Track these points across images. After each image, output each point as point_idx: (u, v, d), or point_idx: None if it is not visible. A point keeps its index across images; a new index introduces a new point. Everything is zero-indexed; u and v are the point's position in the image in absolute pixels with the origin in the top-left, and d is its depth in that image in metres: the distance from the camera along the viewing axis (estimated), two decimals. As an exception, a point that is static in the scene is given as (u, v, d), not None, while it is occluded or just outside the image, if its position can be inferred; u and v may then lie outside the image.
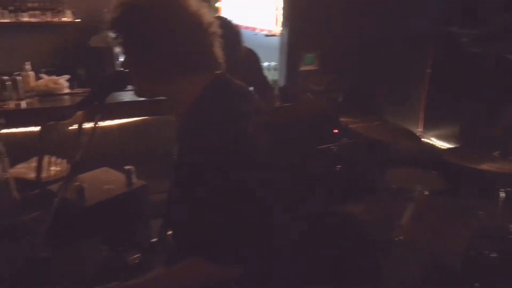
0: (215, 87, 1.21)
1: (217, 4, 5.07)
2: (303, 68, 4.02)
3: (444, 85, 4.23)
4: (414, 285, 2.18)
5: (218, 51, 1.22)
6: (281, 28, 4.15)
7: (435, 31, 4.19)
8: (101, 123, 3.69)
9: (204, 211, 1.12)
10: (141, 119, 3.94)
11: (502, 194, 2.15)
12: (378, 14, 4.05)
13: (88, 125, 3.52)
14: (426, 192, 2.34)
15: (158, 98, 1.26)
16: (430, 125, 4.52)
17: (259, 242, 1.15)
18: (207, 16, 1.19)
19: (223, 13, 4.88)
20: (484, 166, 2.10)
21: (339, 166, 3.03)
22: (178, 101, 1.23)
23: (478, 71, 3.86)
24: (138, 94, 1.25)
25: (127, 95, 3.70)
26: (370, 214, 2.55)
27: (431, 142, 4.48)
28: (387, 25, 4.10)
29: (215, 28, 1.20)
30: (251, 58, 2.95)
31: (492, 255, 2.22)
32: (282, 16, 4.11)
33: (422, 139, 4.56)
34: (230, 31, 2.54)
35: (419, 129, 4.61)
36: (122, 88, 1.33)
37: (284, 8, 4.06)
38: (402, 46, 4.21)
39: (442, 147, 4.21)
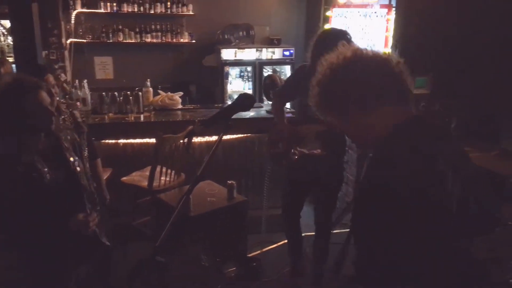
0: (408, 125, 1.26)
1: (327, 13, 5.11)
2: (414, 91, 3.85)
3: None
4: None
5: (406, 87, 1.28)
6: (391, 50, 4.04)
7: None
8: (208, 138, 3.90)
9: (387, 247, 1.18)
10: (244, 136, 4.08)
11: None
12: (495, 33, 3.76)
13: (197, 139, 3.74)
14: (551, 233, 2.10)
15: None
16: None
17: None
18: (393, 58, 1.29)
19: (333, 22, 4.90)
20: None
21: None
22: (371, 135, 1.30)
23: None
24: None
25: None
26: (483, 252, 2.34)
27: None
28: (506, 44, 3.79)
29: (402, 67, 1.28)
30: None
31: None
32: (392, 38, 4.01)
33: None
34: None
35: (543, 162, 4.15)
36: (248, 109, 1.50)
37: (395, 30, 3.97)
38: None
39: None
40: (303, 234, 3.15)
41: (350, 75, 1.25)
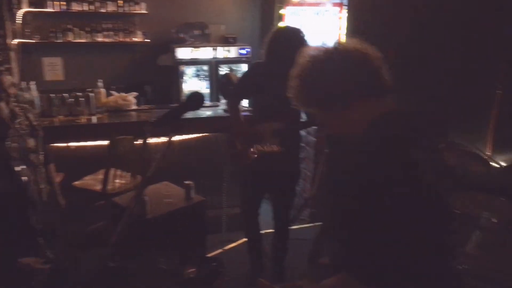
0: (387, 118, 1.29)
1: (281, 11, 5.16)
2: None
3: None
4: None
5: (385, 81, 1.32)
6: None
7: (507, 49, 3.99)
8: (164, 139, 3.85)
9: (369, 235, 1.20)
10: (202, 135, 4.05)
11: None
12: (445, 32, 3.92)
13: (152, 140, 3.68)
14: (494, 220, 2.20)
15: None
16: (500, 149, 4.26)
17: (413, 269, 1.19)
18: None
19: (287, 20, 4.95)
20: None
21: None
22: (352, 126, 1.32)
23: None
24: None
25: (189, 112, 3.82)
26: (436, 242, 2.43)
27: (500, 166, 4.22)
28: (456, 43, 3.95)
29: (381, 62, 1.33)
30: None
31: None
32: (345, 36, 4.10)
33: (490, 163, 4.31)
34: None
35: (487, 152, 4.36)
36: (198, 108, 1.46)
37: (348, 28, 4.05)
38: (471, 64, 4.03)
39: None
40: (262, 232, 3.17)
41: (331, 69, 1.27)
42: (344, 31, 4.08)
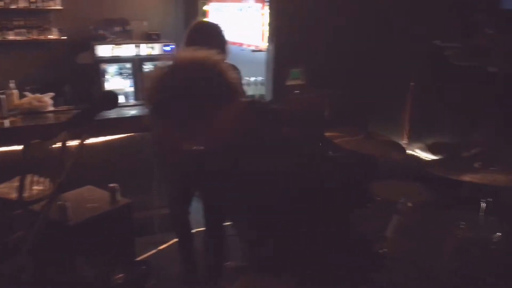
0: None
1: (205, 7, 5.14)
2: (290, 83, 4.04)
3: (428, 98, 4.28)
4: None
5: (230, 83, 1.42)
6: (267, 44, 4.18)
7: (419, 45, 4.26)
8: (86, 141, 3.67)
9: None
10: (126, 136, 3.92)
11: (483, 205, 2.16)
12: (363, 28, 4.10)
13: (72, 143, 3.50)
14: (410, 204, 2.35)
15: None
16: (415, 137, 4.56)
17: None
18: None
19: (211, 17, 4.94)
20: (466, 177, 2.11)
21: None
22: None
23: (461, 84, 3.92)
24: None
25: (112, 112, 3.68)
26: (355, 227, 2.54)
27: (415, 154, 4.51)
28: (372, 39, 4.15)
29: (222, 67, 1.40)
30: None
31: (475, 265, 2.22)
32: (268, 32, 4.15)
33: (407, 151, 4.59)
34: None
35: (403, 141, 4.64)
36: (112, 108, 1.39)
37: (270, 24, 4.10)
38: (387, 59, 4.26)
39: (426, 159, 4.24)
40: (194, 230, 3.14)
41: (174, 80, 1.32)
42: (266, 27, 4.13)
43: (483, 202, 2.16)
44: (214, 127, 1.36)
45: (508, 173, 2.13)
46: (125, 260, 2.98)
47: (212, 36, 2.85)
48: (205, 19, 3.53)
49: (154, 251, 3.46)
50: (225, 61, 2.97)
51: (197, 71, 1.32)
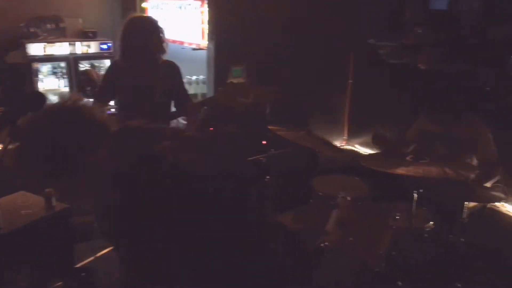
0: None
1: (143, 5, 5.02)
2: (231, 81, 4.05)
3: (365, 95, 4.45)
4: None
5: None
6: (208, 42, 4.16)
7: (356, 44, 4.41)
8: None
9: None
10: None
11: (415, 196, 2.28)
12: (302, 28, 4.18)
13: None
14: (349, 198, 2.43)
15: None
16: (354, 133, 4.73)
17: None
18: None
19: (150, 14, 4.84)
20: (399, 171, 2.21)
21: (268, 177, 3.06)
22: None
23: (395, 80, 4.10)
24: None
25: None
26: (298, 223, 2.60)
27: (354, 149, 4.68)
28: (312, 38, 4.25)
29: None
30: (173, 71, 2.93)
31: (410, 253, 2.34)
32: (208, 30, 4.13)
33: (347, 147, 4.75)
34: None
35: (344, 137, 4.80)
36: (39, 109, 1.30)
37: (209, 22, 4.08)
38: (327, 58, 4.37)
39: (364, 154, 4.41)
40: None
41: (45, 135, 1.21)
42: (206, 25, 4.11)
43: (415, 193, 2.28)
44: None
45: (438, 165, 2.26)
46: (63, 267, 2.85)
47: (148, 32, 2.76)
48: (143, 14, 3.40)
49: (93, 257, 3.35)
50: (164, 58, 2.91)
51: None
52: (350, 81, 4.64)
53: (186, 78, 4.04)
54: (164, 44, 2.82)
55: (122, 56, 2.76)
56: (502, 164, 2.80)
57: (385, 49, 4.10)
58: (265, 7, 4.04)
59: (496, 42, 3.50)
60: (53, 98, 4.57)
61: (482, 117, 2.90)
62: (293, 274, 2.07)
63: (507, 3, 3.51)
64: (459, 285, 2.48)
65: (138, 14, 2.87)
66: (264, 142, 3.42)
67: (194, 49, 4.43)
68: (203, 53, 4.30)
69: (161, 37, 2.81)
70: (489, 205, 2.94)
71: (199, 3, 4.19)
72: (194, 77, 4.64)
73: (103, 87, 2.99)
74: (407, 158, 2.30)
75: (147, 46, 2.72)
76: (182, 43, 4.54)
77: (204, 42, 4.24)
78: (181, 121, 4.23)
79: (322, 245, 2.29)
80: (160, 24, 2.87)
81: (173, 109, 3.14)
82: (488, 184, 2.81)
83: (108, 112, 3.14)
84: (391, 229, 2.28)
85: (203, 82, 4.59)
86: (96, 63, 5.38)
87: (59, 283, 2.75)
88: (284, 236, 2.47)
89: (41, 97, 1.28)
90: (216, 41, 4.05)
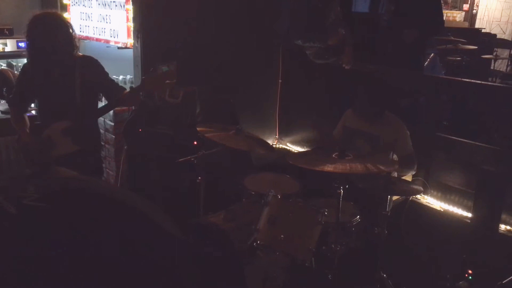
0: None
1: (65, 1, 4.77)
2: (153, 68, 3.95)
3: (295, 94, 4.55)
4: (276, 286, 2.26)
5: None
6: (134, 40, 4.03)
7: (284, 45, 4.50)
8: None
9: None
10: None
11: (341, 192, 2.36)
12: (233, 27, 4.18)
13: None
14: (279, 196, 2.46)
15: None
16: (285, 131, 4.81)
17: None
18: None
19: (72, 11, 4.61)
20: (326, 168, 2.27)
21: (199, 177, 3.03)
22: None
23: (323, 79, 4.23)
24: None
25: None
26: (230, 222, 2.59)
27: (285, 147, 4.77)
28: (242, 36, 4.26)
29: None
30: (90, 65, 2.77)
31: (338, 247, 2.42)
32: (133, 28, 3.99)
33: (279, 145, 4.83)
34: None
35: (276, 136, 4.87)
36: None
37: (135, 20, 3.95)
38: (257, 58, 4.41)
39: (294, 152, 4.50)
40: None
41: None
42: (131, 23, 3.98)
43: (341, 189, 2.36)
44: None
45: (362, 161, 2.35)
46: None
47: (54, 29, 2.56)
48: (48, 10, 3.13)
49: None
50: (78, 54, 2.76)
51: None
52: (280, 80, 4.72)
53: (113, 77, 3.89)
54: (75, 40, 2.65)
55: (31, 59, 2.61)
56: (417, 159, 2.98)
57: (311, 50, 4.20)
58: (192, 4, 3.99)
59: (408, 43, 3.73)
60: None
61: (399, 115, 3.07)
62: (225, 273, 2.06)
63: (417, 8, 3.75)
64: (384, 275, 2.60)
65: (42, 11, 2.65)
66: (194, 142, 3.38)
67: (119, 47, 4.27)
68: (130, 52, 4.16)
69: (70, 32, 2.61)
70: (411, 198, 3.12)
71: (124, 0, 4.05)
72: (121, 77, 4.48)
73: (16, 93, 2.79)
74: (333, 155, 2.37)
75: (55, 45, 2.53)
76: (107, 41, 4.37)
77: (130, 41, 4.10)
78: (108, 122, 4.08)
79: (254, 243, 2.31)
80: (63, 18, 2.72)
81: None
82: (408, 178, 2.98)
83: (29, 114, 2.95)
84: (320, 225, 2.34)
85: (131, 82, 4.44)
86: (14, 62, 5.03)
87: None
88: (216, 236, 2.46)
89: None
90: (143, 39, 3.93)
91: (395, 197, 2.76)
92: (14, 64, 5.05)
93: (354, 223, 2.57)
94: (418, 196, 3.34)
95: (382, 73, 3.64)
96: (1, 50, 4.93)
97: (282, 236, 2.32)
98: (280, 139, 4.86)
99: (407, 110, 3.63)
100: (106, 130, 4.11)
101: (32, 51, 2.56)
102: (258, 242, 2.32)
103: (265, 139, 4.51)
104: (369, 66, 3.85)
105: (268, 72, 4.65)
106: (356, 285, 2.67)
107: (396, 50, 3.82)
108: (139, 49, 3.96)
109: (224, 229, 2.46)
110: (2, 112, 3.64)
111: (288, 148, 4.76)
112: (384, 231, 2.55)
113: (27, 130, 2.67)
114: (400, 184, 2.63)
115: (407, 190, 2.68)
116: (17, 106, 2.74)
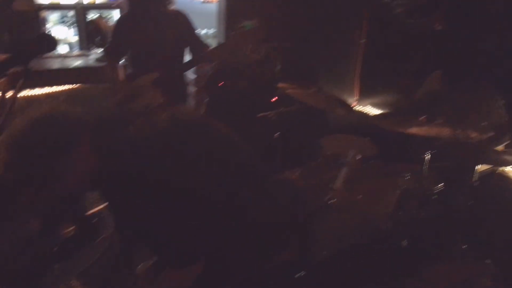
0: None
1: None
2: (242, 26, 3.95)
3: (379, 54, 4.35)
4: (346, 245, 2.26)
5: None
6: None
7: (369, 2, 4.28)
8: (29, 92, 3.46)
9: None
10: (72, 87, 3.74)
11: (427, 157, 2.26)
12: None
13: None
14: (359, 157, 2.42)
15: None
16: (366, 93, 4.66)
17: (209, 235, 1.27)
18: None
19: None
20: (412, 131, 2.18)
21: (277, 133, 3.05)
22: None
23: (410, 40, 3.99)
24: None
25: (55, 62, 3.48)
26: (305, 180, 2.60)
27: (365, 109, 4.63)
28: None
29: None
30: (181, 19, 2.87)
31: (417, 214, 2.35)
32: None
33: (357, 107, 4.70)
34: None
35: (355, 97, 4.74)
36: (49, 51, 1.28)
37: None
38: (339, 16, 4.25)
39: (375, 114, 4.36)
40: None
41: None
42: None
43: (427, 154, 2.26)
44: None
45: (451, 125, 2.22)
46: (75, 213, 2.91)
47: None
48: None
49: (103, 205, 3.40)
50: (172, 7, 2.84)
51: None
52: (363, 40, 4.53)
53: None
54: None
55: (130, 9, 2.72)
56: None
57: (401, 8, 3.96)
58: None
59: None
60: (63, 47, 4.53)
61: (492, 82, 2.83)
62: (296, 230, 2.09)
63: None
64: (464, 246, 2.50)
65: None
66: (274, 99, 3.39)
67: (203, 1, 4.31)
68: (213, 6, 4.19)
69: None
70: (497, 170, 2.92)
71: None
72: (204, 31, 4.54)
73: (113, 43, 2.96)
74: (420, 118, 2.26)
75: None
76: (191, -5, 4.43)
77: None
78: (189, 75, 4.18)
79: (329, 202, 2.30)
80: None
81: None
82: (499, 148, 2.78)
83: (120, 65, 3.10)
84: (400, 190, 2.27)
85: (214, 36, 4.50)
86: (105, 13, 5.27)
87: (72, 228, 2.80)
88: (291, 192, 2.48)
89: (52, 39, 1.24)
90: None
91: (481, 167, 2.60)
92: (105, 15, 5.29)
93: (436, 191, 2.47)
94: (509, 168, 3.12)
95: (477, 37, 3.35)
96: (93, 2, 5.17)
97: (359, 197, 2.29)
98: (360, 101, 4.72)
99: (502, 76, 3.34)
100: (188, 83, 4.23)
101: (131, 2, 2.67)
102: (334, 201, 2.32)
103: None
104: (464, 28, 3.55)
105: (351, 31, 4.47)
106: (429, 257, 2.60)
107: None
108: (224, 3, 3.97)
109: (300, 186, 2.47)
110: (98, 60, 3.87)
111: (366, 110, 4.62)
112: (468, 202, 2.43)
113: (120, 79, 2.82)
114: (490, 153, 2.46)
115: (498, 160, 2.51)
116: (113, 55, 2.89)
